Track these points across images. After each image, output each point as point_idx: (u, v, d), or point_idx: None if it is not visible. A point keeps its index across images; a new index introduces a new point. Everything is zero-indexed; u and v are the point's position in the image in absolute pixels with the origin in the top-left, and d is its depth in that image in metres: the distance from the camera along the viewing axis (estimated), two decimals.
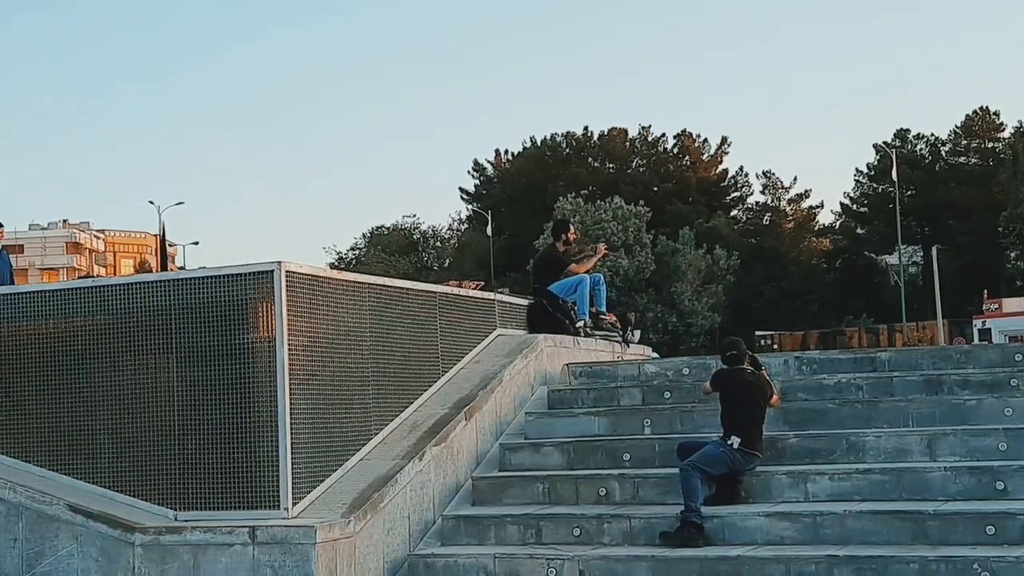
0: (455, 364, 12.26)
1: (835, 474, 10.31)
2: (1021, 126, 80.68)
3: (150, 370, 10.24)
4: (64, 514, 9.86)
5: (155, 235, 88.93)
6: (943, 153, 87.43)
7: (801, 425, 11.26)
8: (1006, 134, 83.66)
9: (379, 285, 11.19)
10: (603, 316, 15.25)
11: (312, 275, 10.16)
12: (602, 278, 16.13)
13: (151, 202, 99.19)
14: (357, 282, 10.87)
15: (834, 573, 9.05)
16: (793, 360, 12.88)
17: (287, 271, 9.78)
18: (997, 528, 9.18)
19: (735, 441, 10.27)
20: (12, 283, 15.35)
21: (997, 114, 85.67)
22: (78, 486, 10.19)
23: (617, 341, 15.32)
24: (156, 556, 9.59)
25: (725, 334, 71.78)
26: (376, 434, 10.80)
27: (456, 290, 13.36)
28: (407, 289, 11.93)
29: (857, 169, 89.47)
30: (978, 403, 11.06)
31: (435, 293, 12.48)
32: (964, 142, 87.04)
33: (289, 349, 9.71)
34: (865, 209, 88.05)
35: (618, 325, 15.64)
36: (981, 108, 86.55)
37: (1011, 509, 9.34)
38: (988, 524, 9.24)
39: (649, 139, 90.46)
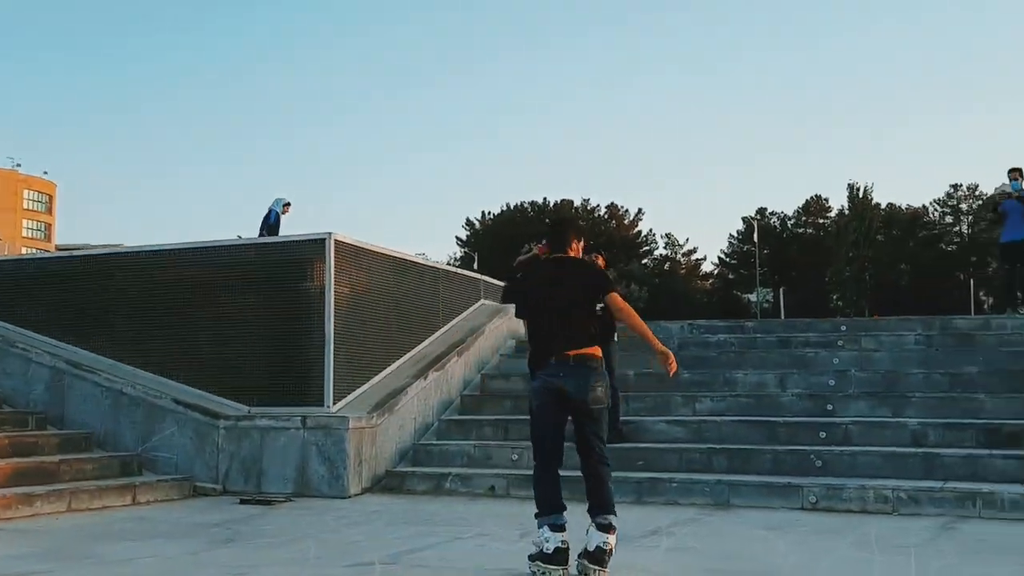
0: (451, 319, 12.06)
1: (715, 397, 10.17)
2: (842, 209, 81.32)
3: (237, 306, 10.00)
4: (170, 405, 9.63)
5: None
6: (789, 225, 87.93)
7: (692, 367, 11.09)
8: (832, 214, 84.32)
9: (400, 257, 10.99)
10: None
11: (354, 244, 9.94)
12: None
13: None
14: (385, 253, 10.59)
15: (712, 459, 8.91)
16: (687, 325, 12.77)
17: (336, 239, 9.58)
18: (827, 433, 9.08)
19: None
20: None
21: (827, 200, 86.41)
22: (181, 388, 9.91)
23: None
24: (234, 436, 9.38)
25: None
26: (394, 361, 10.57)
27: (453, 268, 13.18)
28: (419, 263, 11.76)
29: (730, 234, 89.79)
30: (815, 355, 10.96)
31: (439, 268, 12.32)
32: (804, 218, 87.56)
33: (335, 295, 9.50)
34: (735, 262, 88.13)
35: None
36: (816, 195, 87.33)
37: (836, 422, 9.25)
38: (821, 430, 9.13)
39: (588, 208, 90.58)
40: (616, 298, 5.44)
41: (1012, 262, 13.38)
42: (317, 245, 9.68)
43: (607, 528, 5.15)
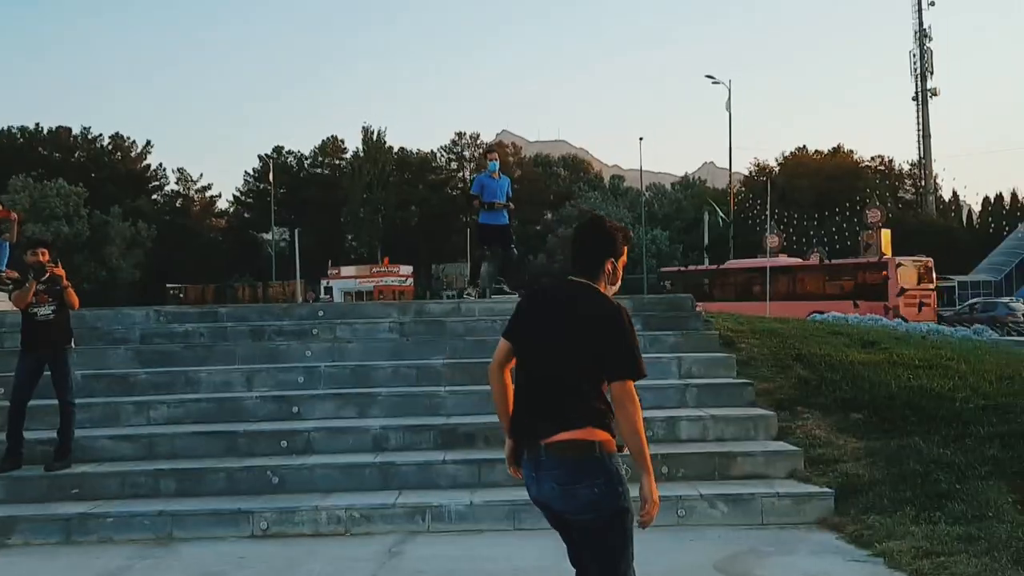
0: None
1: (173, 403, 9.19)
2: (358, 151, 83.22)
3: None
4: None
5: None
6: (306, 164, 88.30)
7: (151, 364, 10.05)
8: (348, 156, 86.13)
9: None
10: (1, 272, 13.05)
11: None
12: (7, 244, 13.89)
13: None
14: None
15: (161, 483, 7.97)
16: (153, 313, 11.48)
17: None
18: (289, 442, 8.56)
19: None
20: None
21: (343, 141, 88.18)
22: None
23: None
24: None
25: (145, 285, 67.98)
26: None
27: None
28: None
29: (246, 171, 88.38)
30: (288, 347, 10.40)
31: None
32: (320, 158, 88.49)
33: None
34: (251, 200, 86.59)
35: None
36: (333, 136, 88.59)
37: (300, 428, 8.75)
38: (283, 439, 8.58)
39: (89, 137, 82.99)
40: (626, 388, 3.64)
41: (488, 244, 13.41)
42: None
43: None
